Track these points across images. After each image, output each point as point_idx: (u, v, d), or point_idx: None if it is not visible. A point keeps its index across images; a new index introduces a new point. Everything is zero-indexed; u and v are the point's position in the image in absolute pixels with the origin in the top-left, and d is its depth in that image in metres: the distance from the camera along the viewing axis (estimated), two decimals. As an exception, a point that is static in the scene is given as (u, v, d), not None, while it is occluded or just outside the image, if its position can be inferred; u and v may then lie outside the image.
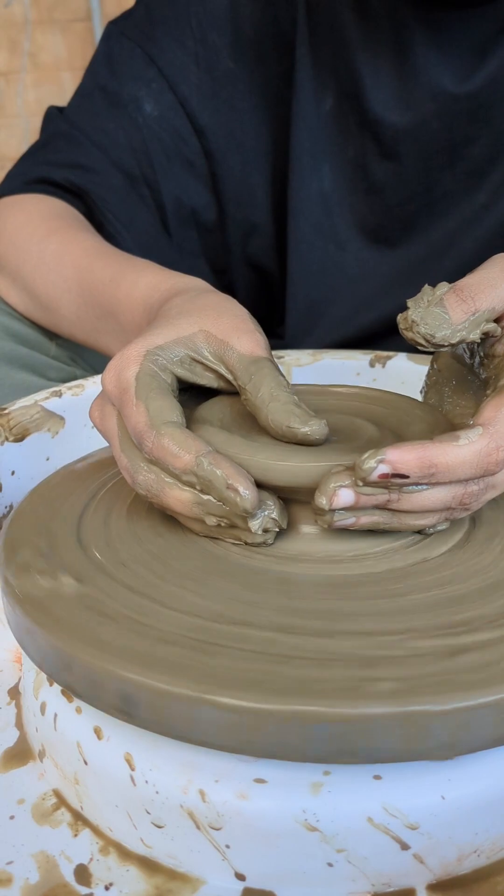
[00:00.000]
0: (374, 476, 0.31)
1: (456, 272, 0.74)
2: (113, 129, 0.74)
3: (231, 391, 0.40)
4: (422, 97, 0.71)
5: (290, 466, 0.34)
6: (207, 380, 0.39)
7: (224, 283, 0.83)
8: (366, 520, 0.33)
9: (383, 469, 0.31)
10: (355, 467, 0.32)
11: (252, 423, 0.38)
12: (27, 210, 0.70)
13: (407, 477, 0.32)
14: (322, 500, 0.32)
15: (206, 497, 0.34)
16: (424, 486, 0.33)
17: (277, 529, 0.35)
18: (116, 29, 0.77)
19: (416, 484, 0.32)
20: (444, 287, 0.36)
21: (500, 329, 0.36)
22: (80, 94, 0.77)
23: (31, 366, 0.69)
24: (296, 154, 0.76)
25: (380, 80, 0.72)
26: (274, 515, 0.34)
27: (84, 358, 0.74)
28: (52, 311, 0.67)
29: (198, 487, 0.34)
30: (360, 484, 0.32)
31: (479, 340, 0.36)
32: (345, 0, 0.71)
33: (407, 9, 0.68)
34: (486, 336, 0.36)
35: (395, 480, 0.32)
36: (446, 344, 0.35)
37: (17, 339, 0.69)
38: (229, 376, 0.39)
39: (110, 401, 0.39)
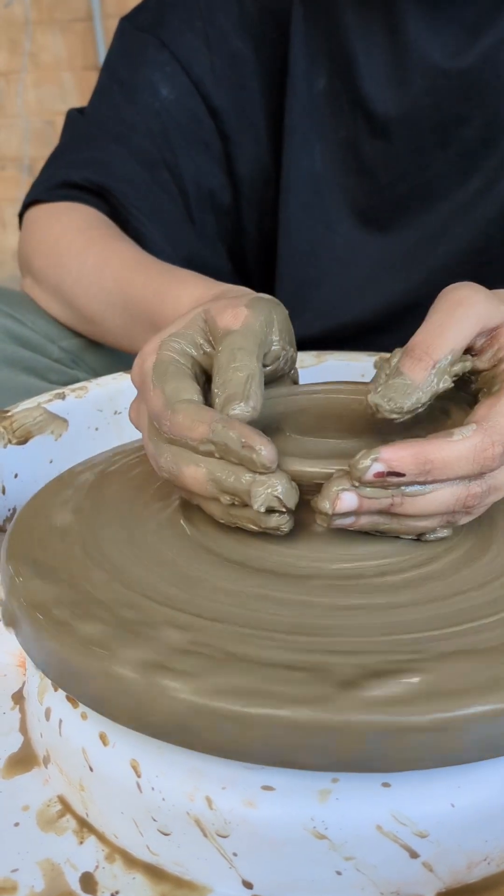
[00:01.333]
0: (370, 475, 0.31)
1: (449, 259, 0.73)
2: (131, 117, 0.75)
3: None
4: (413, 74, 0.71)
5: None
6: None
7: (241, 267, 0.83)
8: (365, 520, 0.33)
9: (378, 467, 0.31)
10: (350, 467, 0.32)
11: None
12: (62, 222, 0.71)
13: (403, 475, 0.32)
14: (325, 504, 0.32)
15: (219, 474, 0.34)
16: (428, 488, 0.32)
17: (281, 516, 0.34)
18: (128, 24, 0.78)
19: (413, 483, 0.32)
20: (397, 355, 0.36)
21: (469, 360, 0.36)
22: (98, 91, 0.78)
23: (32, 369, 0.69)
24: (288, 133, 0.76)
25: (372, 58, 0.72)
26: (278, 493, 0.33)
27: (86, 361, 0.75)
28: (96, 324, 0.67)
29: (217, 455, 0.34)
30: (357, 485, 0.32)
31: (452, 385, 0.35)
32: None
33: None
34: (458, 376, 0.36)
35: (391, 479, 0.32)
36: (420, 406, 0.35)
37: (18, 341, 0.69)
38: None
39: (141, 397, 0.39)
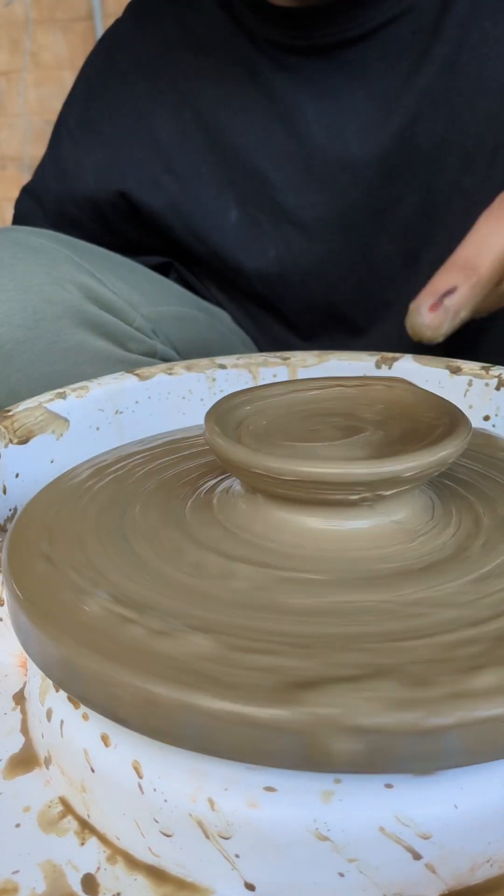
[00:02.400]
0: (426, 312, 0.30)
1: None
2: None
3: None
4: (333, 173, 0.69)
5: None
6: None
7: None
8: (457, 303, 0.32)
9: (429, 300, 0.30)
10: (410, 330, 0.30)
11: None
12: None
13: (454, 288, 0.30)
14: (425, 330, 0.31)
15: None
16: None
17: None
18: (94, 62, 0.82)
19: (472, 289, 0.31)
20: None
21: None
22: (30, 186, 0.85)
23: (112, 335, 0.65)
24: (215, 267, 0.76)
25: (285, 170, 0.70)
26: None
27: (164, 332, 0.71)
28: None
29: None
30: (429, 335, 0.31)
31: None
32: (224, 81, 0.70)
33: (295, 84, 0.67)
34: None
35: (449, 301, 0.30)
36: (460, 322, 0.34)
37: (100, 304, 0.65)
38: None
39: None
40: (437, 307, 0.30)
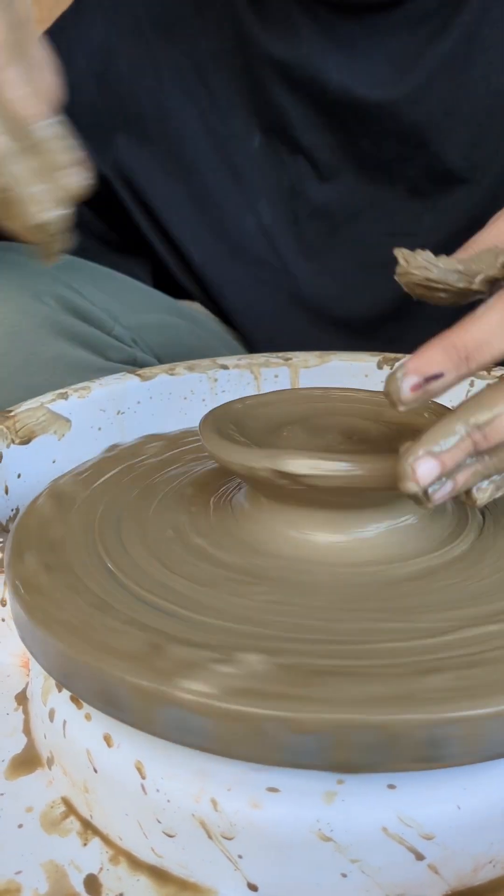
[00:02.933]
0: (407, 392, 0.28)
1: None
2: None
3: None
4: (343, 116, 0.70)
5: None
6: None
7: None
8: (462, 477, 0.30)
9: (412, 380, 0.28)
10: (386, 395, 0.29)
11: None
12: None
13: (441, 374, 0.28)
14: (411, 486, 0.29)
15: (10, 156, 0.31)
16: (498, 408, 0.29)
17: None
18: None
19: (458, 379, 0.29)
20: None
21: None
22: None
23: (91, 344, 0.65)
24: (225, 195, 0.75)
25: (300, 107, 0.71)
26: (55, 214, 0.31)
27: (145, 340, 0.72)
28: None
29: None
30: (402, 409, 0.29)
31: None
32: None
33: (313, 23, 0.67)
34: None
35: (433, 384, 0.29)
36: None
37: (77, 314, 0.65)
38: None
39: None
40: (418, 388, 0.29)
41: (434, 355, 0.29)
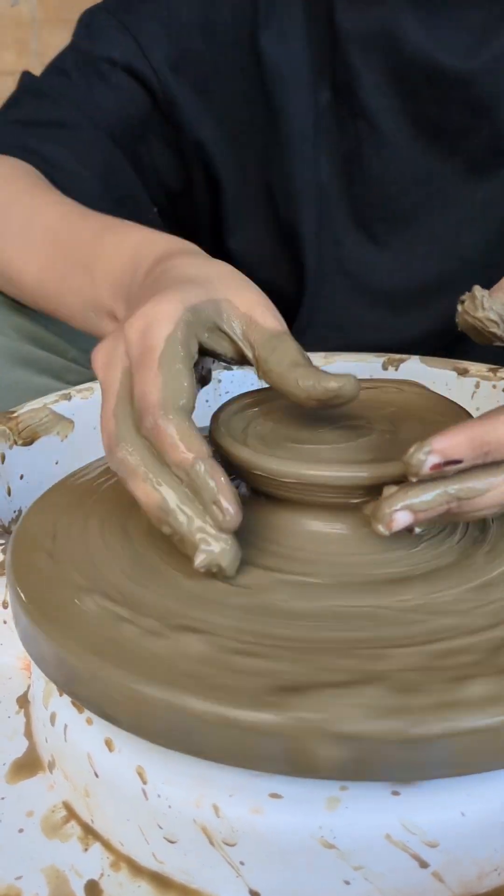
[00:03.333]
0: (426, 469, 0.30)
1: (459, 271, 0.72)
2: (87, 87, 0.74)
3: (234, 363, 0.39)
4: (416, 83, 0.70)
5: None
6: (223, 349, 0.38)
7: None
8: (422, 524, 0.32)
9: (434, 460, 0.30)
10: (405, 464, 0.30)
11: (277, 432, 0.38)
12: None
13: (461, 461, 0.30)
14: (380, 528, 0.31)
15: (172, 506, 0.32)
16: (483, 486, 0.31)
17: (222, 574, 0.33)
18: (96, 6, 0.78)
19: (473, 466, 0.31)
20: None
21: None
22: (59, 59, 0.78)
23: (48, 369, 0.67)
24: (291, 146, 0.75)
25: (372, 68, 0.71)
26: (220, 563, 0.32)
27: None
28: (13, 279, 0.64)
29: (185, 484, 0.33)
30: (413, 480, 0.30)
31: None
32: None
33: None
34: None
35: (449, 468, 0.30)
36: None
37: (34, 342, 0.67)
38: (248, 351, 0.38)
39: (125, 350, 0.36)
40: (437, 468, 0.30)
41: (460, 444, 0.30)
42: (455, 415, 0.38)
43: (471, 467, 0.31)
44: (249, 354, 0.38)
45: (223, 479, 0.32)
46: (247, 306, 0.38)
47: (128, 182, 0.76)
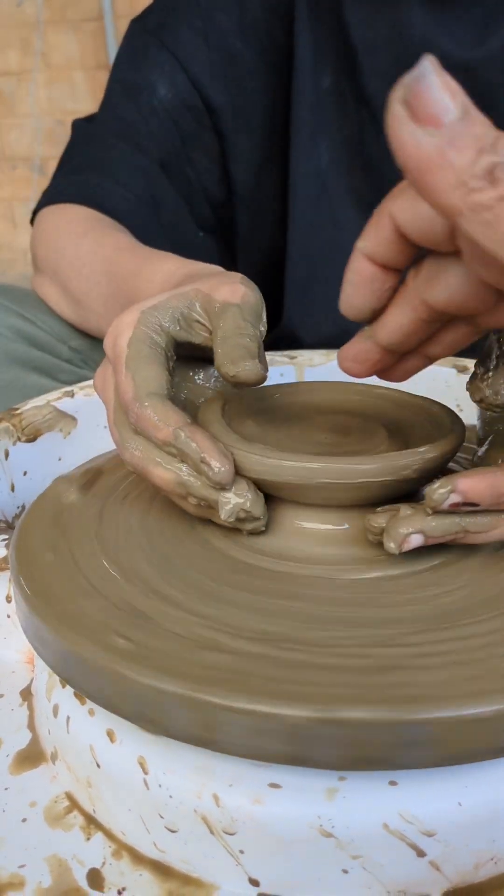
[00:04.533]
0: (446, 506, 0.31)
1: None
2: (130, 116, 0.75)
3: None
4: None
5: (288, 465, 0.34)
6: (199, 338, 0.39)
7: (231, 267, 0.83)
8: (470, 510, 0.33)
9: (454, 499, 0.31)
10: (426, 496, 0.31)
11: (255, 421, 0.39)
12: (66, 216, 0.72)
13: (478, 504, 0.31)
14: (391, 546, 0.32)
15: (186, 478, 0.34)
16: (490, 523, 0.32)
17: (253, 521, 0.35)
18: (135, 25, 0.78)
19: (487, 511, 0.32)
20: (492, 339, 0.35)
21: None
22: (105, 95, 0.79)
23: (43, 368, 0.70)
24: (295, 131, 0.76)
25: (376, 54, 0.72)
26: (247, 506, 0.34)
27: (95, 360, 0.75)
28: (82, 305, 0.68)
29: (179, 459, 0.35)
30: (430, 512, 0.32)
31: None
32: None
33: None
34: None
35: (466, 508, 0.31)
36: None
37: (29, 341, 0.70)
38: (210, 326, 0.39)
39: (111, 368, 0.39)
40: (455, 507, 0.31)
41: (481, 489, 0.31)
42: (440, 414, 0.39)
43: (484, 510, 0.32)
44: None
45: (205, 438, 0.34)
46: (210, 287, 0.39)
47: (174, 207, 0.77)
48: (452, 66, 0.69)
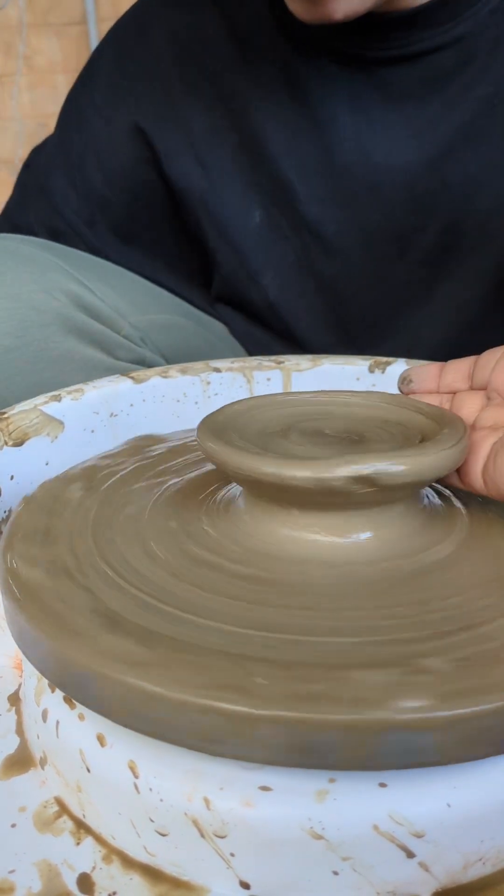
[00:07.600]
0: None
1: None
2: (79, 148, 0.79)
3: None
4: (355, 188, 0.69)
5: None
6: None
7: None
8: None
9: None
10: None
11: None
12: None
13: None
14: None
15: None
16: None
17: None
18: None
19: None
20: None
21: None
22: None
23: (101, 343, 0.65)
24: (233, 268, 0.75)
25: (309, 180, 0.70)
26: None
27: (153, 340, 0.71)
28: None
29: None
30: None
31: None
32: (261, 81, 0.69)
33: (336, 88, 0.66)
34: None
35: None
36: None
37: (89, 312, 0.65)
38: None
39: None
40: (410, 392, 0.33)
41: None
42: (442, 419, 0.39)
43: None
44: None
45: None
46: None
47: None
48: (387, 176, 0.66)
